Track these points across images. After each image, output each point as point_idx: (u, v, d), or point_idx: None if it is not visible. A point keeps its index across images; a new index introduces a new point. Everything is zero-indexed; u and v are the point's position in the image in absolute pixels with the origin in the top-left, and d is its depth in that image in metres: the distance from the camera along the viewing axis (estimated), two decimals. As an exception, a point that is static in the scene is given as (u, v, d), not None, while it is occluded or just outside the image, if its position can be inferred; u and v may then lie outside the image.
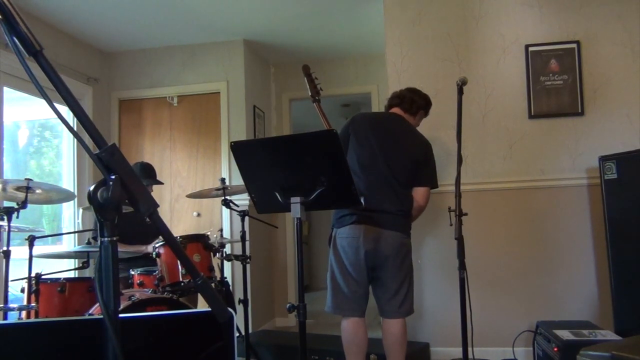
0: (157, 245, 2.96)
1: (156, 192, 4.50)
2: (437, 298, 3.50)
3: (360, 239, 2.51)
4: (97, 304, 2.62)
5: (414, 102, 2.83)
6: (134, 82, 4.78)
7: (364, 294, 2.59)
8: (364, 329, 2.59)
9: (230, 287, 3.88)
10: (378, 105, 5.01)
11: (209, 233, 3.22)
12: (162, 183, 3.93)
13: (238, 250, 3.51)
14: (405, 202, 2.63)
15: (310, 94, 3.21)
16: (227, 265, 4.10)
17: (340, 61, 5.18)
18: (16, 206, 2.55)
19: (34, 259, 2.67)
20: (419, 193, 2.69)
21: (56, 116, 0.86)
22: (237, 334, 3.15)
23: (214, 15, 4.12)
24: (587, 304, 3.33)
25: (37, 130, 4.62)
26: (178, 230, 4.50)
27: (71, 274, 3.36)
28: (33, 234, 2.76)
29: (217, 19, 4.20)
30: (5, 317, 2.59)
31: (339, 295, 2.58)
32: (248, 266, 3.34)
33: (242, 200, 3.75)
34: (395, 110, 2.83)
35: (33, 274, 2.64)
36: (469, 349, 2.67)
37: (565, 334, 2.65)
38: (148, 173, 3.64)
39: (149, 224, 0.91)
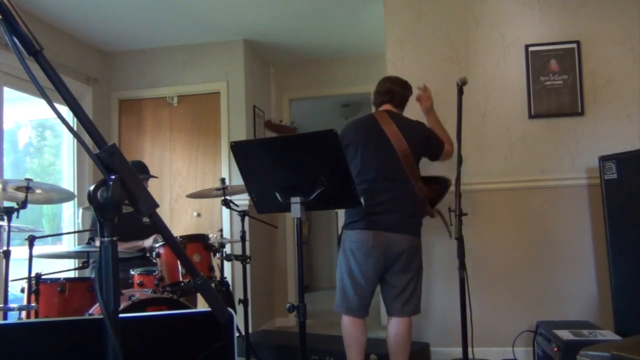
0: (157, 245, 2.96)
1: (156, 192, 4.50)
2: (437, 298, 3.50)
3: (369, 244, 2.55)
4: (97, 304, 2.62)
5: (404, 97, 2.85)
6: (134, 82, 4.78)
7: (370, 296, 2.63)
8: (362, 327, 2.62)
9: (230, 287, 3.88)
10: (378, 105, 5.01)
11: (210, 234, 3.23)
12: (156, 177, 3.99)
13: (238, 250, 3.51)
14: (413, 202, 2.63)
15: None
16: (227, 265, 4.10)
17: (340, 61, 5.18)
18: (16, 206, 2.54)
19: (34, 259, 2.67)
20: (444, 153, 2.83)
21: (56, 116, 0.86)
22: (237, 334, 3.14)
23: (214, 15, 4.12)
24: (587, 304, 3.33)
25: (37, 130, 4.62)
26: (178, 230, 4.50)
27: (71, 274, 3.36)
28: (33, 234, 2.76)
29: (217, 19, 4.20)
30: (5, 317, 2.59)
31: (347, 296, 2.62)
32: (248, 266, 3.34)
33: (242, 200, 3.75)
34: (387, 107, 2.80)
35: (33, 274, 2.63)
36: (469, 349, 2.68)
37: (565, 334, 2.65)
38: (142, 169, 3.65)
39: (146, 222, 0.92)
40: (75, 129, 0.89)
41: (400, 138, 2.64)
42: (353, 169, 2.61)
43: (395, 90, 2.81)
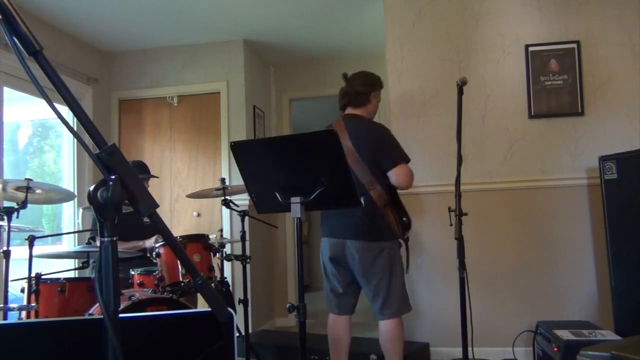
0: (157, 245, 2.96)
1: (156, 192, 4.50)
2: (437, 298, 3.50)
3: (328, 250, 2.65)
4: (97, 304, 2.62)
5: (359, 94, 2.74)
6: (134, 82, 4.78)
7: (343, 295, 2.67)
8: (342, 326, 2.66)
9: (230, 287, 3.88)
10: (378, 105, 5.02)
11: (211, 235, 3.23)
12: (157, 177, 4.02)
13: (238, 250, 3.51)
14: (369, 206, 2.55)
15: None
16: (227, 265, 4.10)
17: (341, 61, 5.17)
18: (16, 206, 2.54)
19: (34, 259, 2.67)
20: (394, 175, 2.56)
21: (56, 116, 0.86)
22: (237, 334, 3.14)
23: (214, 15, 4.12)
24: (587, 304, 3.33)
25: (37, 130, 4.62)
26: (178, 230, 4.50)
27: (71, 274, 3.36)
28: (33, 234, 2.76)
29: (217, 19, 4.20)
30: (5, 317, 2.59)
31: (327, 295, 2.73)
32: (248, 266, 3.34)
33: (242, 200, 3.75)
34: (348, 110, 2.77)
35: (33, 274, 2.63)
36: (469, 349, 2.67)
37: (565, 334, 2.65)
38: (142, 168, 3.66)
39: (146, 223, 0.92)
40: (75, 129, 0.89)
41: (346, 140, 2.54)
42: None
43: (349, 92, 2.76)
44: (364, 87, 2.76)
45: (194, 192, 3.50)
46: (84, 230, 4.05)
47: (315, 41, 4.79)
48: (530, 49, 3.51)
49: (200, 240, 3.02)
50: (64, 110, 0.85)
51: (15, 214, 2.54)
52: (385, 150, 2.59)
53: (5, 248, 2.58)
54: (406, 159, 2.61)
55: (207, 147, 4.68)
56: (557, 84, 3.46)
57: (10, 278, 2.62)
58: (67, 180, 4.33)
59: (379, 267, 2.57)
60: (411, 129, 3.62)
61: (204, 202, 4.56)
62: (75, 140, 3.44)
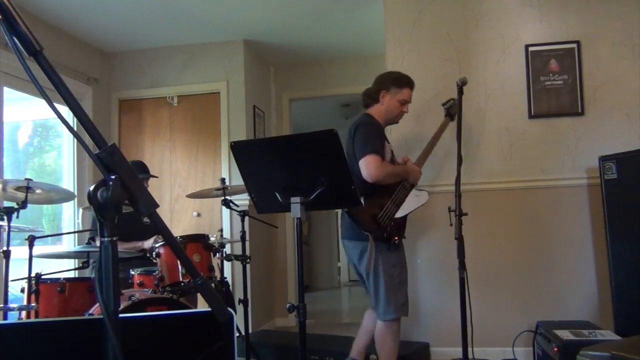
0: (157, 245, 2.96)
1: (156, 192, 4.50)
2: (437, 298, 3.50)
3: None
4: (97, 304, 2.62)
5: (367, 94, 2.84)
6: (134, 82, 4.78)
7: (367, 291, 2.73)
8: (369, 318, 2.77)
9: (230, 287, 3.88)
10: (378, 105, 5.02)
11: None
12: (156, 177, 4.01)
13: (238, 250, 3.51)
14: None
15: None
16: (227, 265, 4.10)
17: (340, 61, 5.18)
18: (16, 206, 2.54)
19: (34, 259, 2.67)
20: (362, 167, 2.53)
21: (56, 116, 0.86)
22: (237, 334, 3.14)
23: (214, 15, 4.12)
24: (587, 304, 3.33)
25: (38, 130, 4.62)
26: (178, 230, 4.50)
27: (71, 274, 3.36)
28: (33, 234, 2.76)
29: (217, 19, 4.20)
30: (5, 317, 2.59)
31: None
32: (248, 266, 3.34)
33: (242, 200, 3.75)
34: (367, 110, 2.84)
35: (33, 274, 2.63)
36: (469, 349, 2.67)
37: (565, 334, 2.65)
38: (142, 168, 3.66)
39: (146, 223, 0.92)
40: (75, 129, 0.89)
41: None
42: None
43: (363, 97, 2.88)
44: (374, 87, 2.84)
45: (194, 192, 3.50)
46: (84, 230, 4.05)
47: (315, 41, 4.79)
48: (530, 49, 3.51)
49: (200, 240, 3.02)
50: (64, 110, 0.85)
51: (15, 214, 2.54)
52: (356, 143, 2.60)
53: (5, 248, 2.58)
54: (374, 151, 2.53)
55: (207, 147, 4.68)
56: (557, 84, 3.46)
57: (10, 278, 2.62)
58: (67, 180, 4.33)
59: (364, 266, 2.62)
60: (411, 129, 3.61)
61: (204, 202, 4.56)
62: (75, 140, 3.44)
